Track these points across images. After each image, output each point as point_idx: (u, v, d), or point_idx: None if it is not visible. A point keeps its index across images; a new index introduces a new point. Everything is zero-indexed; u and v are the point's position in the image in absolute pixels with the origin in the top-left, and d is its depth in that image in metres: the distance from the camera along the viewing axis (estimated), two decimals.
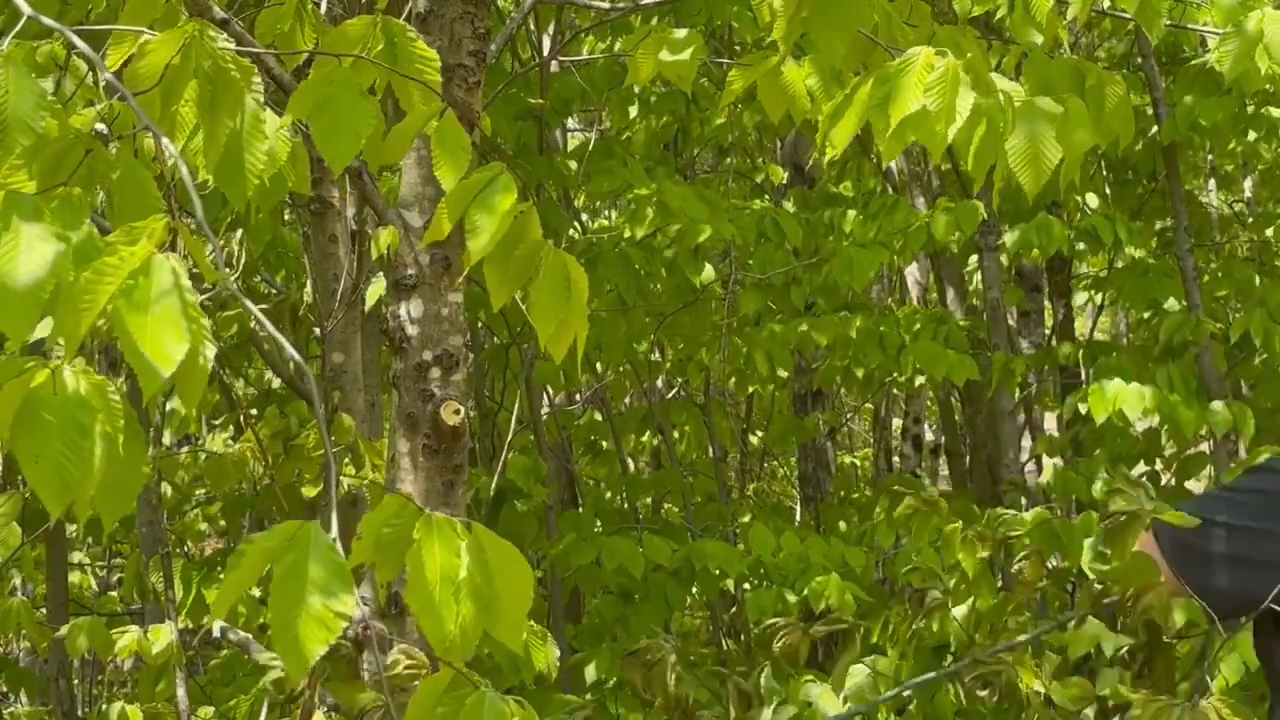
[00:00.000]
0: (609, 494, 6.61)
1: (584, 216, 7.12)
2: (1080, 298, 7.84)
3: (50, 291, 1.36)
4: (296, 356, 1.57)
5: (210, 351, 1.39)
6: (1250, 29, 3.30)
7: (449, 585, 1.47)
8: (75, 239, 1.40)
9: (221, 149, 1.76)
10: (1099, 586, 3.16)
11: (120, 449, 1.35)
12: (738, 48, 6.70)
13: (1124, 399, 5.12)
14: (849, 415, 9.79)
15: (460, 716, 1.46)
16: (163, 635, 4.05)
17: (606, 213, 7.76)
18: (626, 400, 7.94)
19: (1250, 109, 5.51)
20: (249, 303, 1.50)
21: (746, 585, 5.79)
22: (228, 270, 1.50)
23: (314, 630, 1.37)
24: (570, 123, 7.49)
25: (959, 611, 4.37)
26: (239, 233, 4.90)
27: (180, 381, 1.40)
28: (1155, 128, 5.77)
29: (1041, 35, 2.70)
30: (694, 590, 5.67)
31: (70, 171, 1.56)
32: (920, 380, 5.61)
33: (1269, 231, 6.64)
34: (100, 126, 1.62)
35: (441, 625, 1.47)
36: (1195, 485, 6.63)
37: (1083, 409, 5.30)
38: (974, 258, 6.65)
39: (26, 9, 1.59)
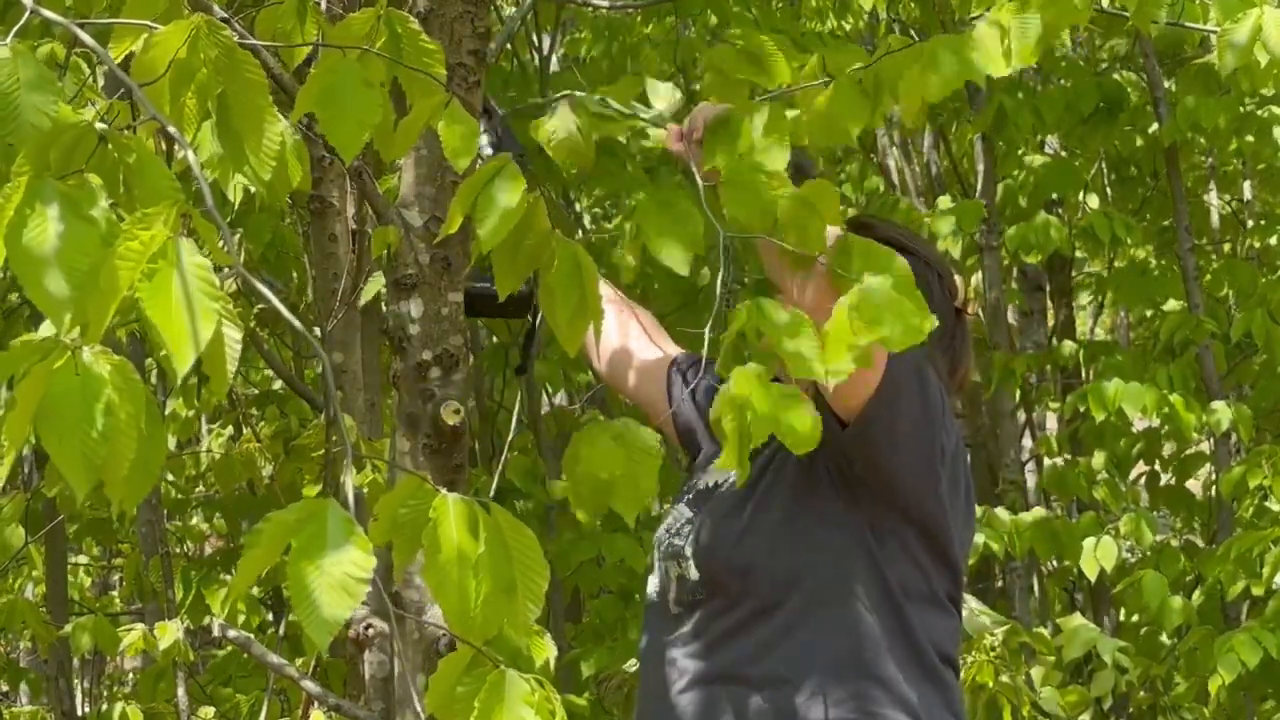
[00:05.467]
0: None
1: (586, 219, 7.11)
2: (1084, 298, 7.83)
3: (85, 269, 1.37)
4: (317, 345, 1.57)
5: (235, 333, 1.39)
6: (1249, 25, 3.29)
7: (467, 563, 1.47)
8: (100, 221, 1.42)
9: (234, 136, 1.77)
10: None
11: (142, 428, 1.36)
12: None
13: (1124, 398, 5.12)
14: None
15: (482, 694, 1.47)
16: (169, 633, 4.05)
17: (611, 213, 7.76)
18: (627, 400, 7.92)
19: (1250, 108, 5.50)
20: (263, 288, 1.50)
21: None
22: (228, 270, 1.51)
23: (336, 598, 1.37)
24: None
25: None
26: (238, 233, 4.90)
27: (207, 365, 1.41)
28: (1155, 125, 5.77)
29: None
30: None
31: (85, 159, 1.56)
32: None
33: (1273, 240, 6.64)
34: (100, 126, 1.62)
35: (462, 602, 1.47)
36: (1195, 485, 6.63)
37: (1082, 409, 5.30)
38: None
39: (28, 2, 1.59)
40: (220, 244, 1.44)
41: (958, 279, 2.36)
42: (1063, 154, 6.33)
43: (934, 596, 2.20)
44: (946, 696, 2.18)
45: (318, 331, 3.85)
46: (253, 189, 3.47)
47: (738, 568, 2.19)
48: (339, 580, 1.37)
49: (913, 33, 6.76)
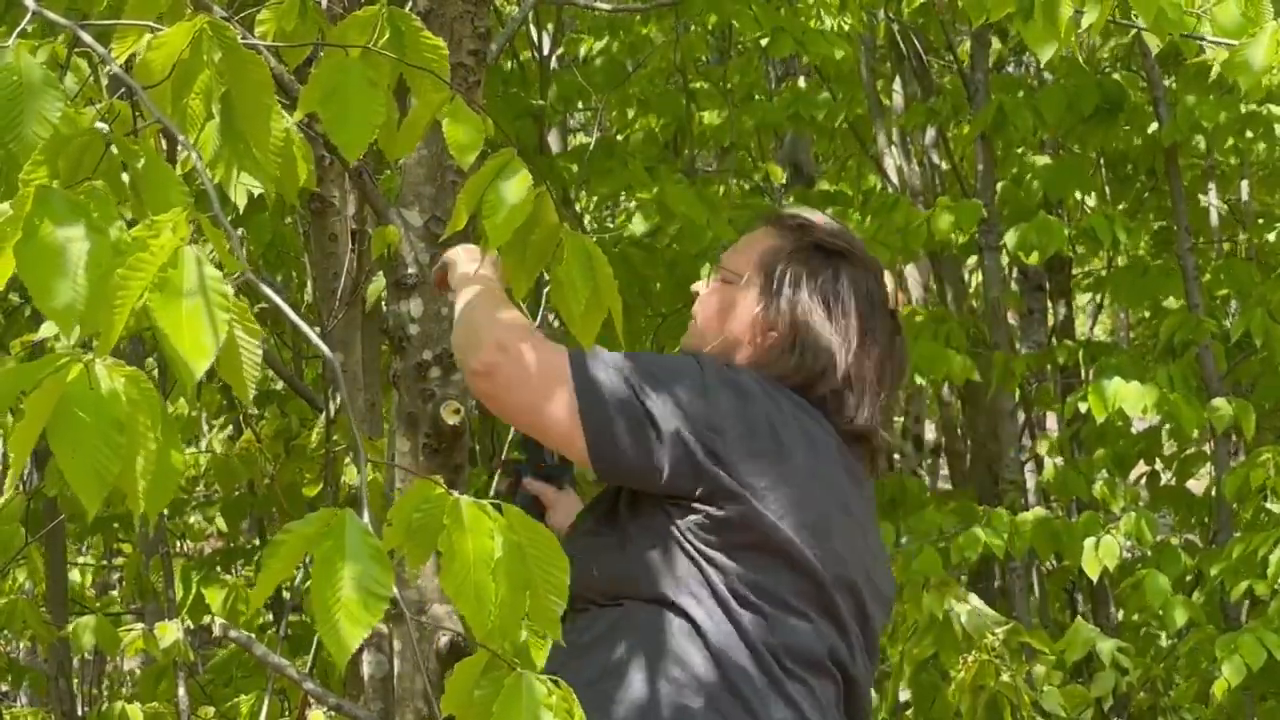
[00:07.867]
0: None
1: (585, 220, 7.10)
2: (1083, 298, 7.83)
3: (96, 279, 1.36)
4: (323, 346, 1.56)
5: (252, 339, 1.39)
6: (1266, 44, 3.15)
7: (485, 567, 1.47)
8: (111, 231, 1.40)
9: (239, 136, 1.77)
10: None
11: (159, 437, 1.35)
12: (740, 46, 6.70)
13: (1124, 397, 5.11)
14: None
15: (500, 697, 1.46)
16: (169, 633, 4.05)
17: (610, 219, 7.75)
18: None
19: (1250, 107, 5.50)
20: (271, 293, 1.49)
21: None
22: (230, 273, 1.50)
23: (356, 615, 1.37)
24: (571, 121, 7.49)
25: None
26: (239, 232, 4.89)
27: (226, 373, 1.40)
28: (1155, 124, 5.78)
29: (1058, 44, 2.67)
30: None
31: (93, 167, 1.55)
32: (920, 380, 5.61)
33: (1271, 237, 6.64)
34: (101, 126, 1.62)
35: (481, 608, 1.47)
36: (1196, 484, 6.63)
37: (1083, 408, 5.30)
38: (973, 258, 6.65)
39: (30, 3, 1.59)
40: (228, 248, 1.43)
41: (887, 276, 2.21)
42: (1061, 153, 6.33)
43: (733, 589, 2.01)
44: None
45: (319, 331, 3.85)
46: (256, 193, 3.46)
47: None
48: (360, 599, 1.37)
49: (911, 33, 6.76)
